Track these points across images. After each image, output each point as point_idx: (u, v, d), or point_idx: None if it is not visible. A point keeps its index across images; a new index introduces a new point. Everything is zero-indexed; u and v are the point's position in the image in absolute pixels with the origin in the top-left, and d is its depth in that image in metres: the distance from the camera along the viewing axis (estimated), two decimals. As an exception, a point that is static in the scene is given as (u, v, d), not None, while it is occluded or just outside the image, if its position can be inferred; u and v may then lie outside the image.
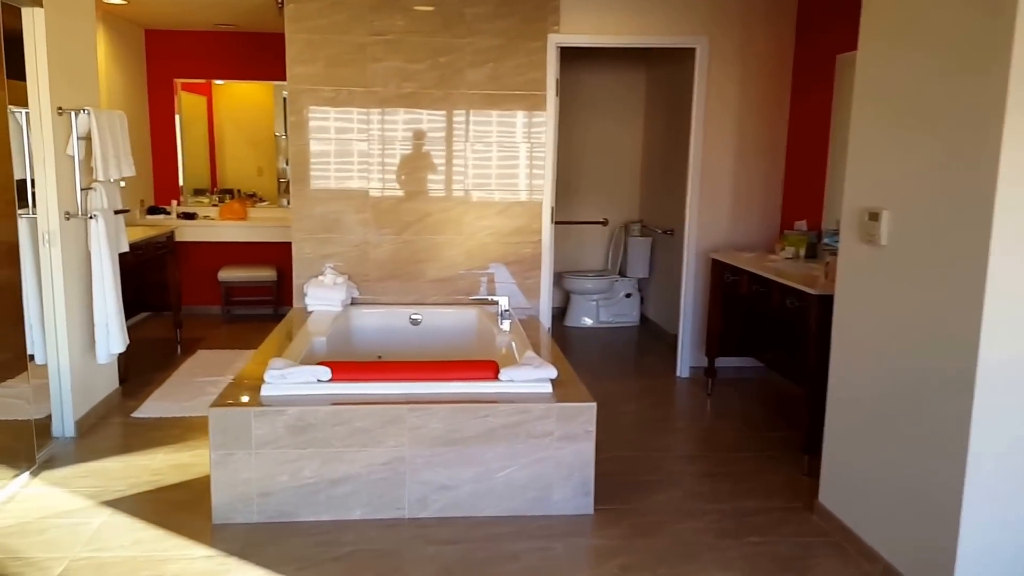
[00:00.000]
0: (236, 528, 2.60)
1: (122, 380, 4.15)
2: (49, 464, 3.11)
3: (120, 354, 4.11)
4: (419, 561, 2.43)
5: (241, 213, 5.91)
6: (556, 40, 4.27)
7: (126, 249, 3.70)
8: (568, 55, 5.82)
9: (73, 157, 3.26)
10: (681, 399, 4.30)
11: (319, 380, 2.77)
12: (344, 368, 2.83)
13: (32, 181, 3.20)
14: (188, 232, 5.63)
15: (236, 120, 6.41)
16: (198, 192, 6.29)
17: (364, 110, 4.20)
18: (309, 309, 4.11)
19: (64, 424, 3.35)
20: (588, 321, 6.16)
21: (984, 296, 1.99)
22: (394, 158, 4.28)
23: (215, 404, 2.64)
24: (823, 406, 2.85)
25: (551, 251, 4.44)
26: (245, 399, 2.70)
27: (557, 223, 6.22)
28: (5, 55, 2.88)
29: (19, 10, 3.04)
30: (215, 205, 6.10)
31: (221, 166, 6.52)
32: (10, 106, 3.12)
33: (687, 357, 4.73)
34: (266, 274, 5.84)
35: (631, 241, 6.15)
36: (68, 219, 3.28)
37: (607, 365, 5.01)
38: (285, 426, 2.63)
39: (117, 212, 3.57)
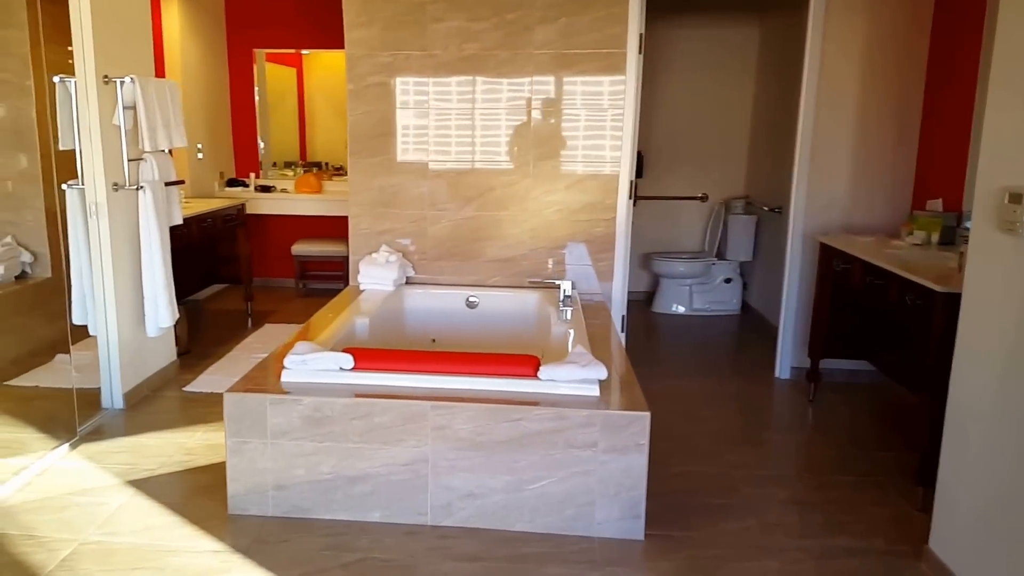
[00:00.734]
0: (250, 521, 2.55)
1: (184, 352, 4.26)
2: (91, 436, 3.20)
3: (183, 325, 4.22)
4: None
5: (316, 186, 5.95)
6: (640, -9, 3.94)
7: (178, 222, 3.74)
8: (661, 7, 5.43)
9: (120, 127, 3.30)
10: (777, 405, 3.93)
11: (341, 368, 2.67)
12: (367, 356, 2.72)
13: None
14: (262, 205, 5.72)
15: (326, 91, 6.47)
16: (288, 164, 6.41)
17: (422, 76, 4.05)
18: (361, 288, 4.04)
19: (113, 396, 3.45)
20: (680, 308, 5.82)
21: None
22: (454, 128, 4.12)
23: (232, 388, 2.59)
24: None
25: (627, 230, 4.15)
26: (265, 384, 2.63)
27: (644, 198, 5.90)
28: (58, 22, 2.94)
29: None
30: (295, 178, 6.18)
31: (311, 138, 6.61)
32: (60, 74, 3.19)
33: (788, 356, 4.33)
34: (339, 249, 5.87)
35: (733, 220, 5.73)
36: (116, 190, 3.34)
37: (695, 359, 4.69)
38: (301, 417, 2.55)
39: (169, 184, 3.61)
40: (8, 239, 3.99)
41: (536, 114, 4.06)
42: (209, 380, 3.90)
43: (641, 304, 5.97)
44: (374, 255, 4.10)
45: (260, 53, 6.10)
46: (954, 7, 3.74)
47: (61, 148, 3.23)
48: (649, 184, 6.02)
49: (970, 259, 2.29)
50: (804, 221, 4.19)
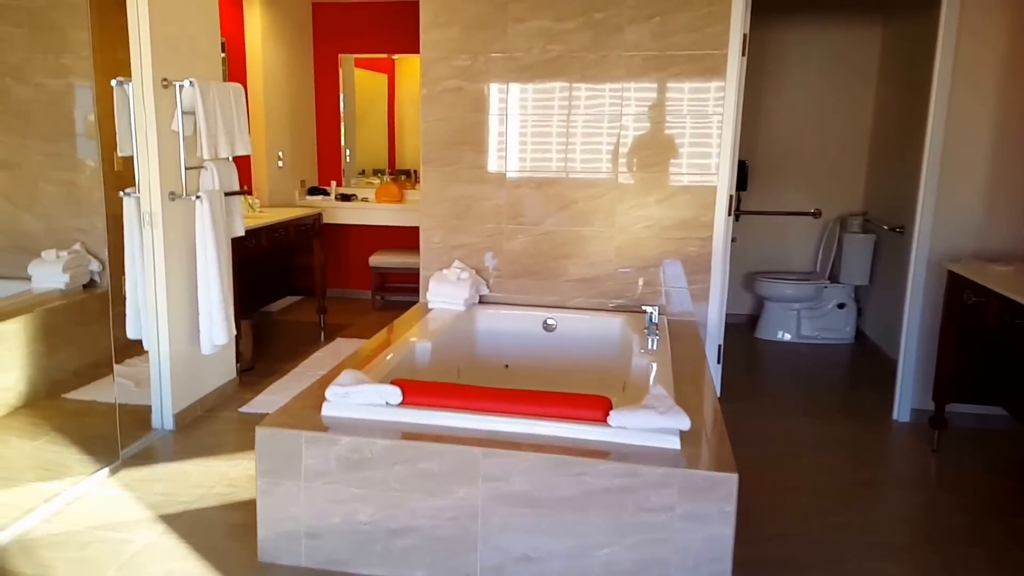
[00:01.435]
0: (280, 571, 2.31)
1: (248, 368, 4.13)
2: (134, 460, 3.07)
3: (247, 341, 4.10)
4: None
5: (397, 195, 5.79)
6: (746, -16, 3.53)
7: (239, 233, 3.60)
8: (770, 6, 4.97)
9: (178, 133, 3.18)
10: (894, 454, 3.41)
11: (387, 403, 2.40)
12: (417, 390, 2.44)
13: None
14: (341, 214, 5.60)
15: (415, 98, 6.34)
16: (377, 172, 6.31)
17: (502, 80, 3.76)
18: (430, 306, 3.79)
19: (163, 416, 3.32)
20: (786, 335, 5.29)
21: None
22: (535, 135, 3.81)
23: (265, 422, 2.36)
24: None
25: (726, 250, 3.73)
26: (303, 418, 2.40)
27: (748, 213, 5.42)
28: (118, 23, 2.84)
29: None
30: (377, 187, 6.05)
31: (400, 146, 6.50)
32: (118, 77, 3.09)
33: (908, 396, 3.79)
34: (419, 261, 5.65)
35: (849, 239, 5.17)
36: (173, 200, 3.22)
37: (800, 395, 4.19)
38: (339, 457, 2.29)
39: (230, 193, 3.47)
40: (77, 246, 3.97)
41: (626, 121, 3.71)
42: (267, 401, 3.74)
43: (742, 328, 5.48)
44: (445, 271, 3.85)
45: (348, 59, 6.01)
46: None
47: (119, 154, 3.13)
48: (754, 197, 5.53)
49: None
50: (930, 244, 3.65)
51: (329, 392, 2.42)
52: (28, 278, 3.92)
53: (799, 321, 5.28)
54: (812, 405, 4.01)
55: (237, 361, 3.91)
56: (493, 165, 3.85)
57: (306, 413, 2.43)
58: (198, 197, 3.23)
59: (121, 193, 3.15)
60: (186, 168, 3.22)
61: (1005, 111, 3.51)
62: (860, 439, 3.54)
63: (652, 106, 3.66)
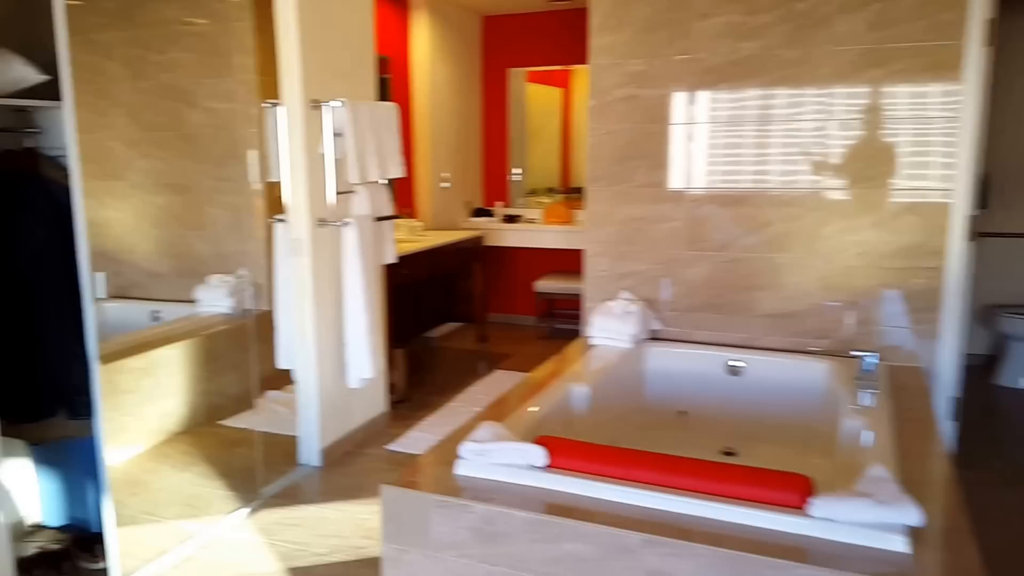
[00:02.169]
0: (404, 654, 2.04)
1: (401, 400, 3.99)
2: (275, 500, 2.96)
3: (401, 371, 3.96)
4: None
5: (565, 216, 5.50)
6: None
7: (390, 260, 3.45)
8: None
9: (327, 156, 3.07)
10: None
11: (531, 466, 2.07)
12: (566, 451, 2.08)
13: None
14: (506, 236, 5.40)
15: None
16: (550, 191, 6.10)
17: (683, 86, 3.35)
18: (593, 342, 3.43)
19: (310, 451, 3.22)
20: (1035, 383, 4.39)
21: None
22: (721, 148, 3.35)
23: (392, 482, 2.11)
24: None
25: (963, 281, 3.05)
26: (434, 477, 2.12)
27: (988, 235, 4.57)
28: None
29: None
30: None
31: (574, 163, 6.27)
32: (269, 100, 3.04)
33: None
34: (587, 287, 5.33)
35: (1124, 267, 4.19)
36: (321, 226, 3.11)
37: (1058, 467, 3.37)
38: (471, 528, 1.99)
39: (381, 219, 3.33)
40: (243, 271, 4.03)
41: (832, 128, 3.16)
42: (416, 438, 3.54)
43: (978, 372, 4.62)
44: (610, 304, 3.48)
45: (518, 73, 5.83)
46: None
47: (270, 179, 3.08)
48: (996, 217, 4.66)
49: None
50: None
51: (464, 449, 2.13)
52: (195, 302, 4.05)
53: (1055, 367, 4.37)
54: (1082, 482, 3.20)
55: (390, 392, 3.77)
56: (671, 182, 3.44)
57: (438, 471, 2.15)
58: (346, 223, 3.11)
59: (271, 219, 3.09)
60: (336, 193, 3.11)
61: None
62: None
63: (867, 110, 3.09)
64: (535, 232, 5.44)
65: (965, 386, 4.15)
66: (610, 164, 3.54)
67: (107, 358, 3.21)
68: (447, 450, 2.28)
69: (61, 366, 2.38)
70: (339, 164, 3.12)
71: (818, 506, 1.79)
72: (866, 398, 2.65)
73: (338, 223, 3.11)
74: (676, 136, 3.40)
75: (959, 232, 3.02)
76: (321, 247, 3.14)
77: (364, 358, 3.19)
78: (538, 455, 2.06)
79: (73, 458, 2.59)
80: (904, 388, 2.86)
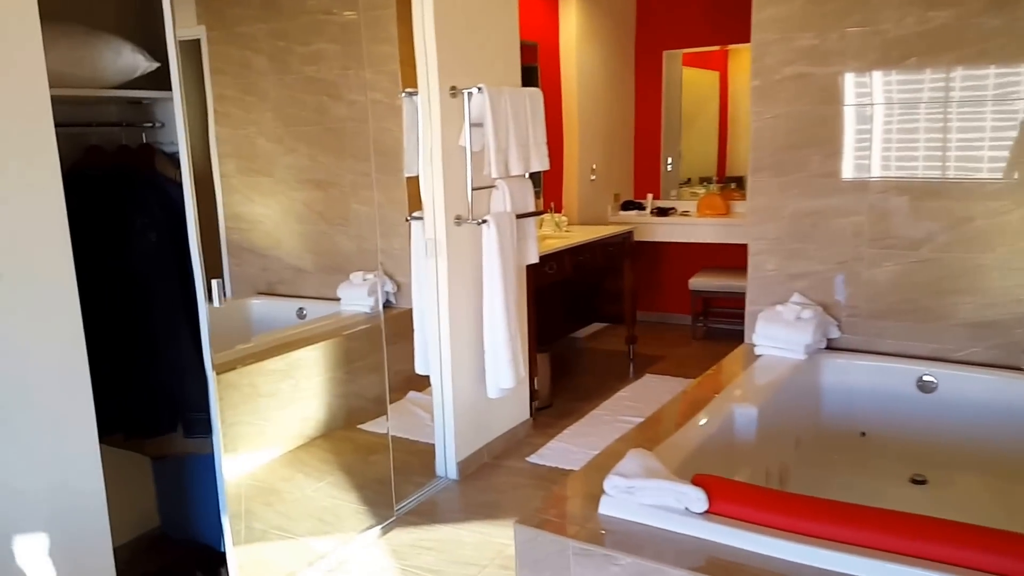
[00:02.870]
0: None
1: (545, 406, 3.77)
2: (409, 518, 2.82)
3: (544, 376, 3.74)
4: None
5: (722, 208, 5.06)
6: None
7: (532, 260, 3.22)
8: None
9: (465, 148, 2.87)
10: None
11: (687, 509, 1.76)
12: (730, 494, 1.76)
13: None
14: (657, 230, 5.04)
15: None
16: (704, 181, 5.70)
17: (862, 62, 2.88)
18: (758, 351, 3.04)
19: (447, 463, 3.06)
20: None
21: None
22: (909, 132, 2.86)
23: (526, 520, 1.87)
24: None
25: None
26: (574, 515, 1.86)
27: None
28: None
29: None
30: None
31: (732, 151, 5.82)
32: (407, 89, 2.88)
33: None
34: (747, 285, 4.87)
35: None
36: (458, 224, 2.92)
37: None
38: (617, 581, 1.71)
39: (522, 216, 3.10)
40: (384, 269, 3.94)
41: (1059, 98, 2.60)
42: (559, 450, 3.30)
43: None
44: (779, 308, 3.07)
45: (673, 57, 5.44)
46: None
47: (406, 175, 2.92)
48: None
49: None
50: None
51: (609, 484, 1.86)
52: (338, 299, 4.01)
53: None
54: None
55: (532, 399, 3.55)
56: (849, 171, 2.98)
57: (579, 507, 1.89)
58: (484, 221, 2.90)
59: (407, 217, 2.94)
60: (473, 188, 2.91)
61: None
62: None
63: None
64: (689, 226, 5.04)
65: None
66: (777, 151, 3.12)
67: (247, 359, 3.20)
68: (589, 480, 2.02)
69: (175, 380, 2.31)
70: (478, 157, 2.92)
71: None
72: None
73: (476, 221, 2.91)
74: (854, 119, 2.94)
75: None
76: (458, 247, 2.95)
77: (504, 368, 2.98)
78: (697, 498, 1.75)
79: (194, 475, 2.54)
80: None
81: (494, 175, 2.87)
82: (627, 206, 5.34)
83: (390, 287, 3.91)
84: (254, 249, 4.33)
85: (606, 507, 1.85)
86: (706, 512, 1.75)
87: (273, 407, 3.20)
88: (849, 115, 2.94)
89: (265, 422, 3.18)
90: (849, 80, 2.92)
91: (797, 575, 1.57)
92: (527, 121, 3.04)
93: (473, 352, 3.08)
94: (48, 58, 1.82)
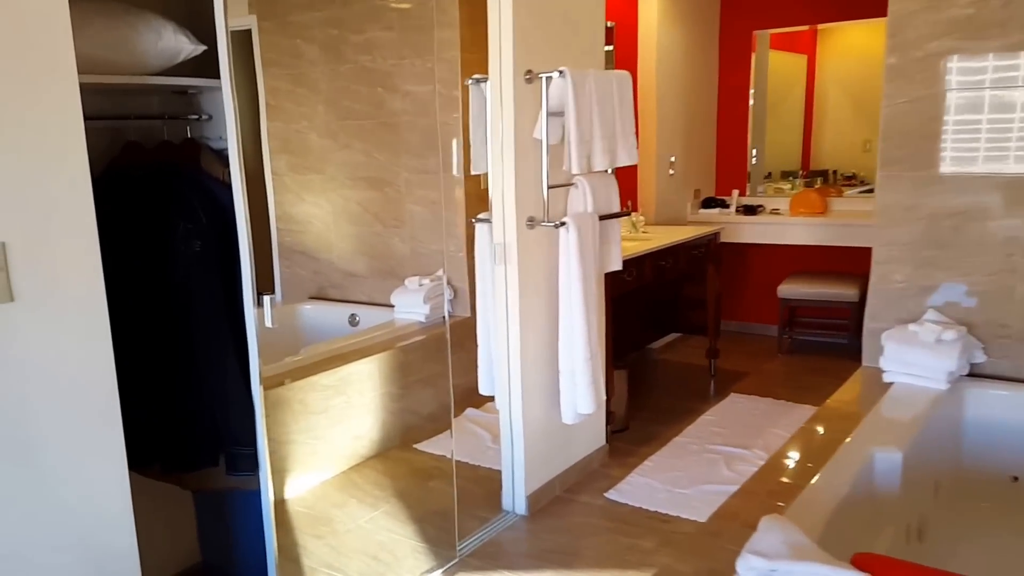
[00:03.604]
0: None
1: (621, 429, 3.35)
2: (473, 560, 2.43)
3: (620, 396, 3.32)
4: None
5: (818, 206, 4.55)
6: None
7: (616, 267, 2.80)
8: None
9: (541, 141, 2.47)
10: None
11: (848, 612, 1.33)
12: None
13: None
14: (743, 231, 4.56)
15: (843, 80, 5.10)
16: (786, 175, 5.20)
17: (1031, 24, 2.38)
18: (887, 378, 2.57)
19: (514, 496, 2.67)
20: None
21: None
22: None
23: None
24: None
25: None
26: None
27: None
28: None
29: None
30: (792, 195, 4.88)
31: (817, 142, 5.31)
32: (475, 75, 2.49)
33: None
34: (844, 291, 4.37)
35: None
36: (531, 227, 2.52)
37: None
38: None
39: (606, 217, 2.68)
40: (440, 272, 3.58)
41: None
42: (641, 485, 2.88)
43: None
44: (913, 328, 2.60)
45: (761, 38, 4.93)
46: None
47: (472, 172, 2.54)
48: None
49: None
50: None
51: (745, 567, 1.44)
52: (392, 306, 3.66)
53: None
54: None
55: (608, 421, 3.14)
56: (1005, 166, 2.48)
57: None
58: (562, 224, 2.49)
59: (474, 219, 2.56)
60: (549, 186, 2.50)
61: None
62: None
63: None
64: (781, 226, 4.55)
65: None
66: (913, 142, 2.64)
67: (297, 373, 2.87)
68: (707, 550, 1.59)
69: (218, 409, 1.97)
70: (555, 150, 2.51)
71: None
72: None
73: (553, 224, 2.51)
74: (1015, 105, 2.44)
75: None
76: (531, 253, 2.55)
77: (584, 391, 2.57)
78: (859, 595, 1.32)
79: (238, 510, 2.20)
80: None
81: (575, 171, 2.46)
82: (708, 203, 4.86)
83: (448, 293, 3.54)
84: (306, 252, 4.01)
85: (736, 599, 1.43)
86: (873, 616, 1.32)
87: (324, 425, 2.87)
88: (1007, 100, 2.44)
89: (316, 441, 2.85)
90: (1005, 57, 2.42)
91: None
92: (614, 109, 2.61)
93: (546, 372, 2.68)
94: (79, 40, 1.50)
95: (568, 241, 2.50)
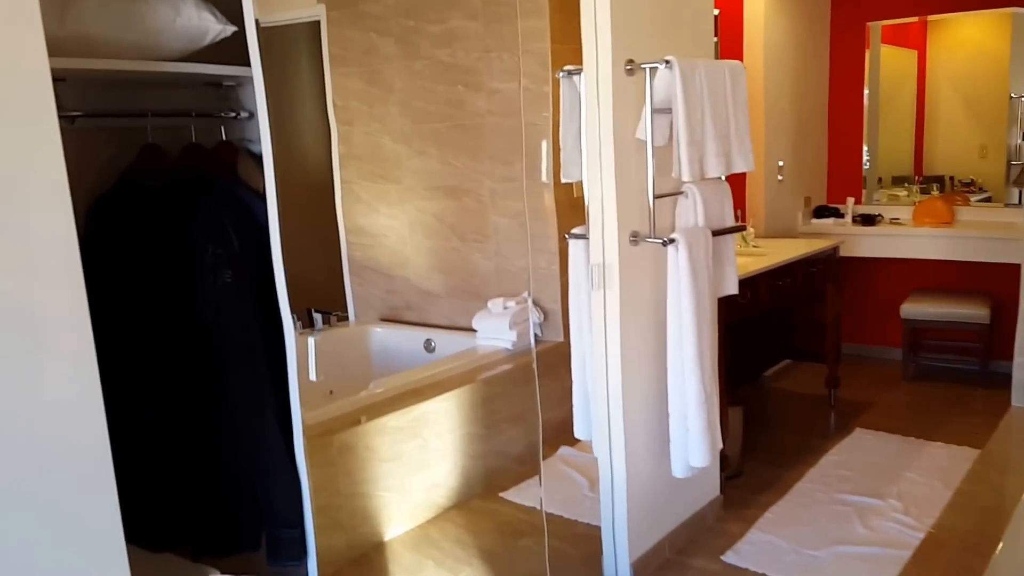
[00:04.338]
0: None
1: (735, 475, 2.94)
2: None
3: (735, 437, 2.91)
4: None
5: (945, 215, 4.04)
6: None
7: (732, 291, 2.41)
8: None
9: (646, 142, 2.11)
10: None
11: None
12: None
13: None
14: (860, 244, 4.08)
15: (956, 77, 4.60)
16: (897, 181, 4.71)
17: None
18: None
19: (617, 563, 2.30)
20: None
21: None
22: None
23: None
24: None
25: None
26: None
27: None
28: None
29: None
30: (910, 202, 4.37)
31: (930, 144, 4.79)
32: (566, 67, 2.16)
33: None
34: (973, 312, 3.85)
35: None
36: (635, 243, 2.16)
37: None
38: None
39: (720, 232, 2.30)
40: (525, 294, 3.25)
41: None
42: (764, 544, 2.47)
43: None
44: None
45: (874, 29, 4.46)
46: None
47: (563, 180, 2.20)
48: None
49: None
50: None
51: None
52: (473, 331, 3.34)
53: None
54: None
55: (721, 468, 2.74)
56: None
57: None
58: (670, 240, 2.12)
59: (568, 235, 2.22)
60: (655, 196, 2.14)
61: None
62: None
63: None
64: (905, 237, 4.05)
65: None
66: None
67: (365, 413, 2.59)
68: None
69: (257, 481, 1.67)
70: (661, 153, 2.15)
71: None
72: None
73: (661, 240, 2.14)
74: None
75: None
76: (634, 275, 2.19)
77: (697, 440, 2.18)
78: None
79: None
80: None
81: (685, 177, 2.09)
82: (820, 212, 4.39)
83: (536, 316, 3.21)
84: (378, 268, 3.74)
85: None
86: None
87: (397, 474, 2.57)
88: None
89: (387, 493, 2.55)
90: None
91: None
92: (727, 105, 2.23)
93: (653, 415, 2.31)
94: (71, 14, 1.23)
95: (678, 260, 2.13)
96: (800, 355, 3.91)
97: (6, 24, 1.09)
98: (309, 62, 3.31)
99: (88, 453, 1.22)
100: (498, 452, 2.96)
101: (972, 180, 4.57)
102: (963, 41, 4.53)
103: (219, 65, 1.69)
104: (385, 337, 3.61)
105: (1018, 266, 3.52)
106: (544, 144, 2.86)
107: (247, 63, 1.59)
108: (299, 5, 3.25)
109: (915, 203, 4.29)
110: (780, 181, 4.10)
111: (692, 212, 2.24)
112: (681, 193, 2.26)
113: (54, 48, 1.15)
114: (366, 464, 2.44)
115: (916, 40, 4.65)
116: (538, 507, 2.73)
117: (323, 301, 3.34)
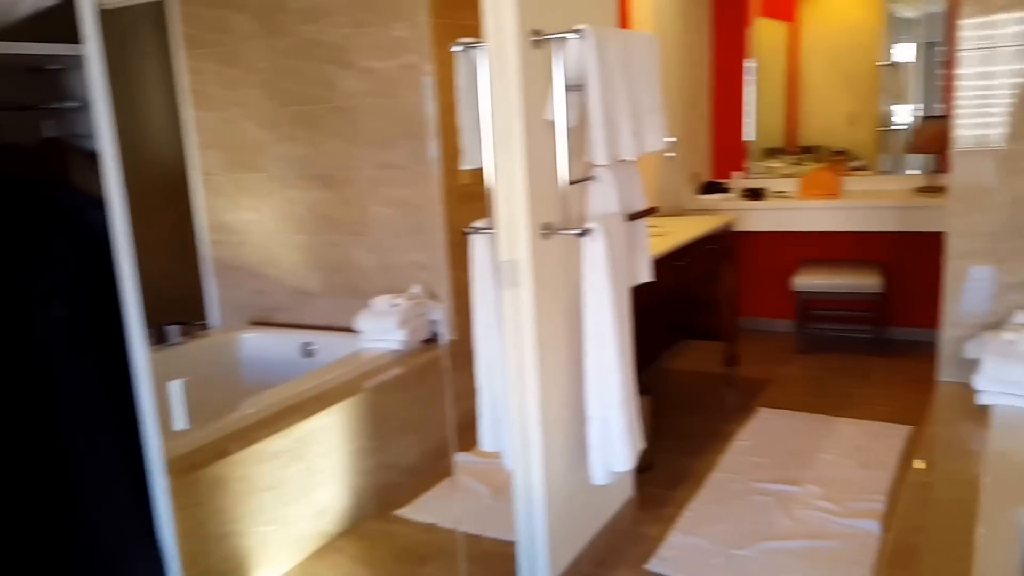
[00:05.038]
0: None
1: (646, 468, 2.87)
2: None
3: (643, 427, 2.83)
4: None
5: (831, 187, 4.15)
6: None
7: (645, 278, 2.30)
8: None
9: (556, 123, 1.94)
10: None
11: None
12: None
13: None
14: (750, 219, 4.13)
15: (827, 50, 4.76)
16: (771, 153, 4.81)
17: None
18: (985, 400, 2.13)
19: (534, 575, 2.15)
20: None
21: None
22: None
23: None
24: None
25: None
26: None
27: None
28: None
29: None
30: (788, 175, 4.47)
31: (803, 115, 4.93)
32: (462, 40, 1.95)
33: None
34: (866, 282, 3.98)
35: None
36: (546, 237, 2.00)
37: None
38: None
39: (634, 216, 2.18)
40: (416, 289, 3.03)
41: None
42: (685, 547, 2.40)
43: None
44: (1007, 336, 2.16)
45: (753, 2, 4.52)
46: None
47: (462, 167, 2.00)
48: None
49: None
50: None
51: None
52: (357, 332, 3.09)
53: None
54: None
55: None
56: None
57: None
58: (586, 231, 1.97)
59: (467, 229, 2.02)
60: (570, 181, 1.98)
61: None
62: None
63: None
64: (794, 211, 4.13)
65: None
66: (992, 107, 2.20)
67: (239, 439, 2.30)
68: None
69: (107, 561, 1.39)
70: (573, 135, 1.99)
71: None
72: None
73: (575, 231, 1.99)
74: None
75: None
76: (546, 271, 2.03)
77: (620, 442, 2.06)
78: None
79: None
80: None
81: (600, 160, 1.94)
82: (708, 188, 4.41)
83: (437, 314, 3.00)
84: (245, 267, 3.41)
85: None
86: None
87: (277, 504, 2.30)
88: None
89: (267, 527, 2.28)
90: None
91: None
92: (642, 80, 2.10)
93: (569, 421, 2.17)
94: None
95: (594, 252, 1.98)
96: (696, 334, 3.91)
97: None
98: (154, 43, 2.93)
99: None
100: (391, 464, 2.74)
101: (844, 149, 4.74)
102: (835, 11, 4.67)
103: (40, 43, 1.36)
104: (256, 343, 3.29)
105: (909, 234, 3.64)
106: (431, 126, 2.65)
107: (76, 40, 1.28)
108: (138, -23, 2.85)
109: (800, 175, 4.38)
110: (671, 157, 4.07)
111: (607, 197, 2.09)
112: (590, 178, 2.11)
113: None
114: (241, 498, 2.17)
115: (789, 11, 4.76)
116: (439, 524, 2.55)
117: (178, 311, 2.98)
